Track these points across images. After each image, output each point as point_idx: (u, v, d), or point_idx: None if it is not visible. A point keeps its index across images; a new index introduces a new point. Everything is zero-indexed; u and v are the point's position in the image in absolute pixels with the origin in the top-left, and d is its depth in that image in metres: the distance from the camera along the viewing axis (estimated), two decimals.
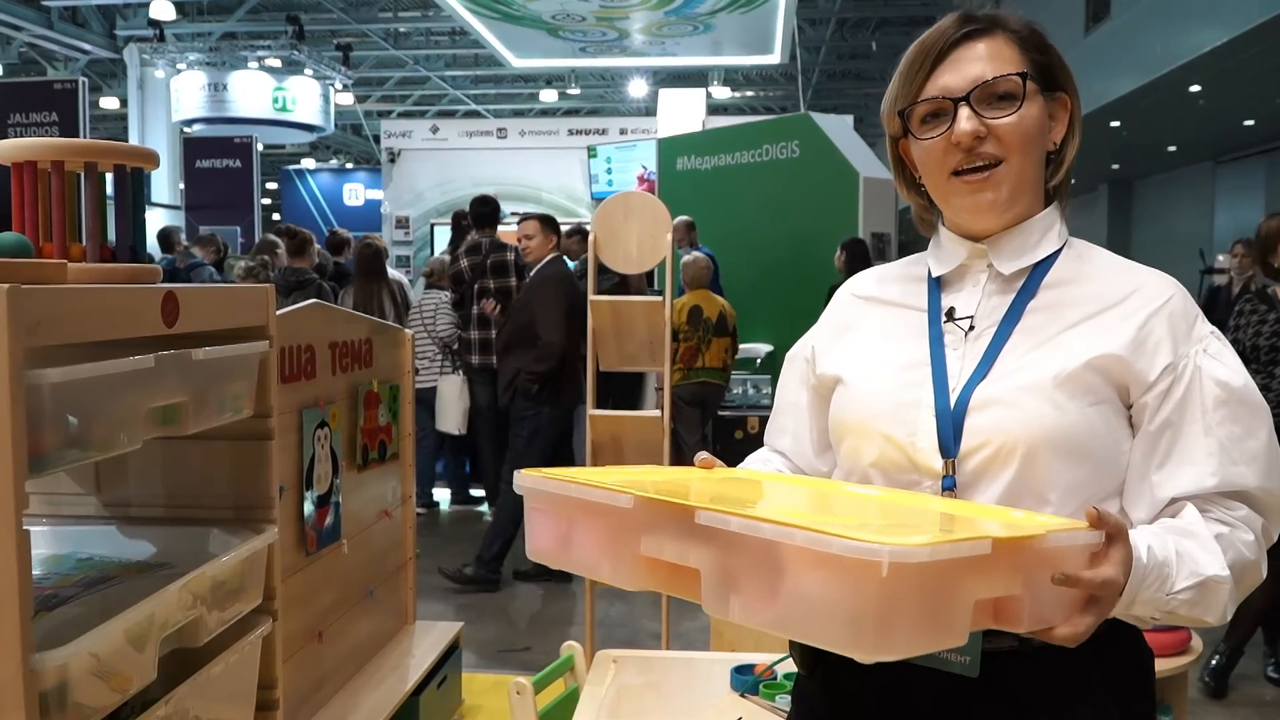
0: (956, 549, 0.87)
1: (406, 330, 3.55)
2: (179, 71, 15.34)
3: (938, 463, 1.16)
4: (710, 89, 15.27)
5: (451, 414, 6.36)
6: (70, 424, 1.01)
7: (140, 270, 1.28)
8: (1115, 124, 12.90)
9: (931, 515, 1.07)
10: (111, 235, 1.30)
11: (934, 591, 0.87)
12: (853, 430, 1.26)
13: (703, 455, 1.34)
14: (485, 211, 6.03)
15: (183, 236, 9.01)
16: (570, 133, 14.04)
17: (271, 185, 21.18)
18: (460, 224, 6.59)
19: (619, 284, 5.33)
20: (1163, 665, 2.56)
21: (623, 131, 13.88)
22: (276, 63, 15.64)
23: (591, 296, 3.77)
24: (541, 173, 13.38)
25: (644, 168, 11.62)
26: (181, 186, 15.32)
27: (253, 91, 15.57)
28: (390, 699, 2.65)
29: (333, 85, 16.25)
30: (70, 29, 14.82)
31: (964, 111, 1.15)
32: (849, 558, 0.83)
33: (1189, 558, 1.08)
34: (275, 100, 15.64)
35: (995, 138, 1.15)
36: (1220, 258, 5.87)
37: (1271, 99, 11.10)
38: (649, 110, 15.90)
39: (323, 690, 2.72)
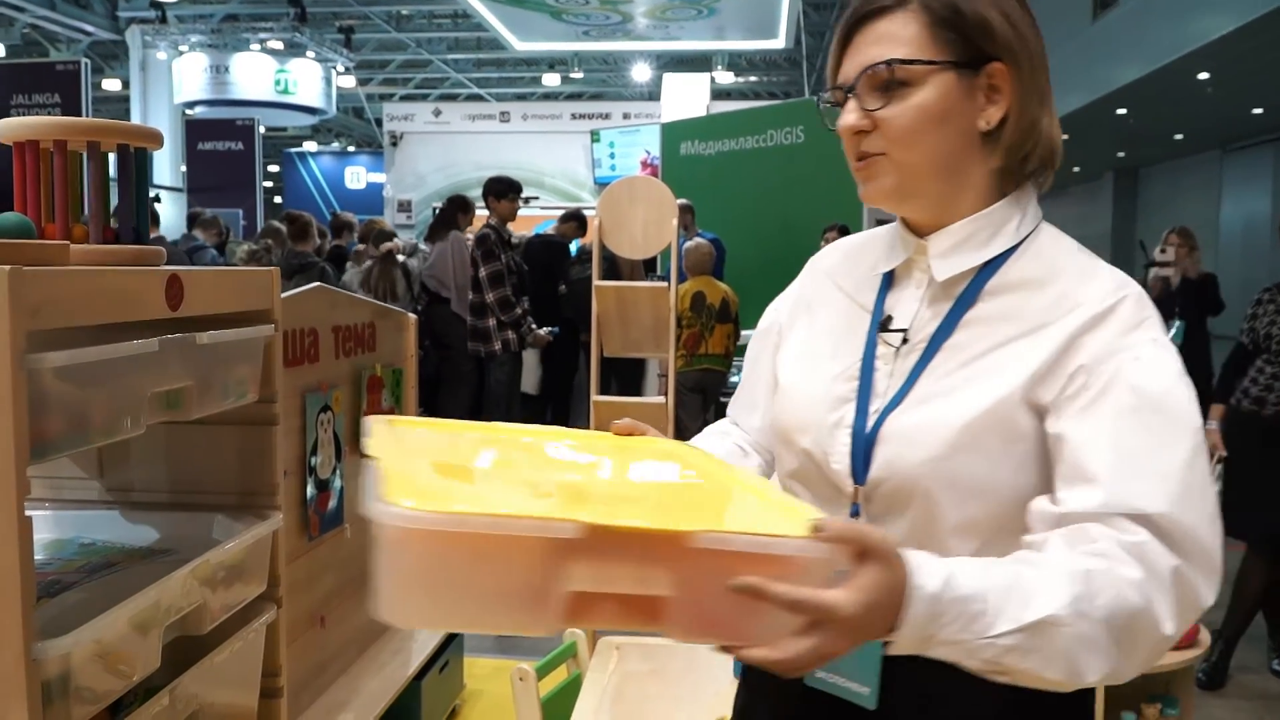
0: (498, 523, 0.76)
1: (410, 314, 3.53)
2: (181, 53, 15.27)
3: (849, 487, 1.09)
4: (714, 74, 15.20)
5: (531, 375, 6.48)
6: (72, 409, 1.00)
7: (144, 252, 1.26)
8: (1121, 111, 12.84)
9: (689, 499, 0.98)
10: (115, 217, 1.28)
11: (487, 564, 0.78)
12: (780, 437, 1.20)
13: (623, 421, 1.25)
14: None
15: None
16: (573, 117, 13.98)
17: (273, 168, 21.12)
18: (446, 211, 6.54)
19: (610, 269, 5.30)
20: (1170, 659, 2.55)
21: (626, 116, 13.82)
22: (279, 45, 15.57)
23: (596, 282, 3.75)
24: (544, 157, 13.33)
25: (647, 152, 11.58)
26: (183, 169, 15.27)
27: (255, 74, 15.51)
28: (392, 685, 2.64)
29: (335, 68, 16.18)
30: (73, 10, 14.75)
31: (850, 104, 1.07)
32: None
33: (1019, 594, 0.89)
34: (277, 83, 15.59)
35: (879, 130, 1.06)
36: (1158, 251, 5.70)
37: None
38: (653, 95, 15.82)
39: (324, 675, 2.71)
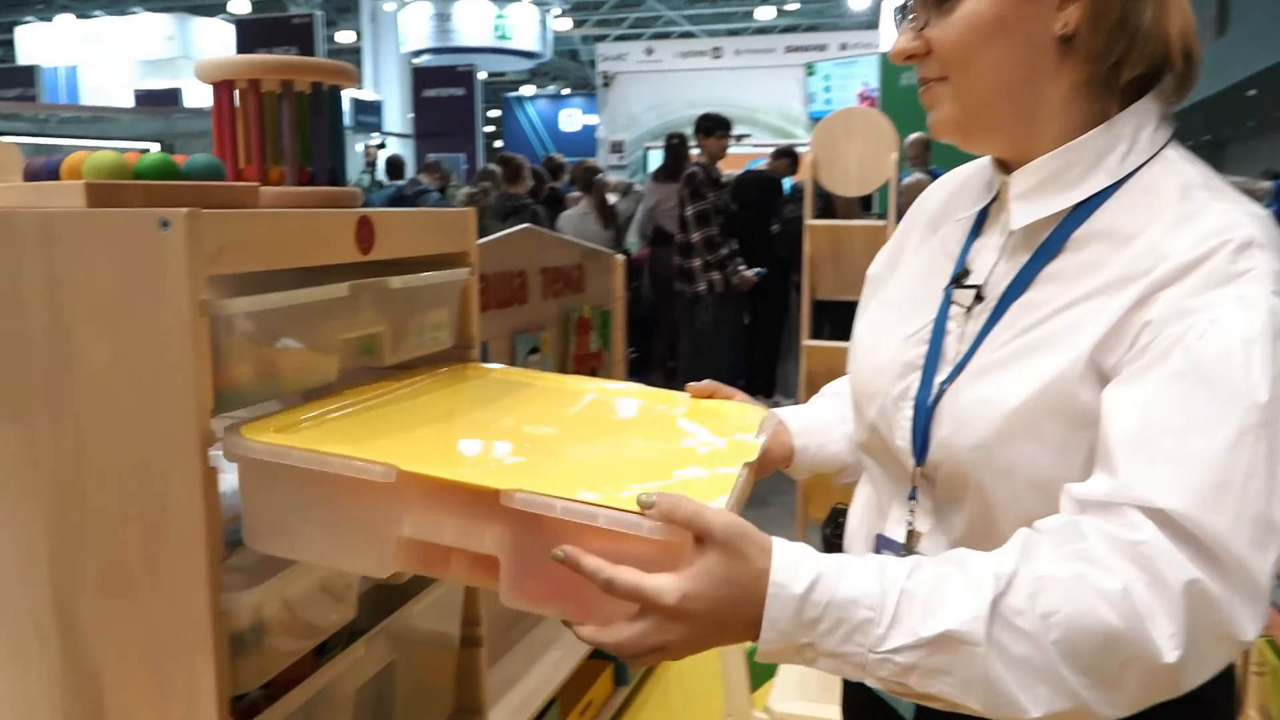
0: (317, 460, 0.83)
1: (618, 255, 3.48)
2: (406, 4, 15.82)
3: (910, 465, 0.96)
4: None
5: None
6: (259, 357, 0.97)
7: (338, 194, 1.22)
8: None
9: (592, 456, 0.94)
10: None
11: (324, 501, 0.84)
12: (853, 405, 1.07)
13: (703, 383, 1.20)
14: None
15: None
16: (787, 50, 13.61)
17: (493, 113, 21.70)
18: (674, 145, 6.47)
19: (824, 207, 5.09)
20: None
21: (843, 47, 13.32)
22: None
23: (809, 220, 3.58)
24: (757, 93, 13.05)
25: (865, 85, 11.13)
26: (411, 116, 15.91)
27: (475, 20, 15.92)
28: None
29: (550, 11, 16.37)
30: None
31: (905, 25, 0.92)
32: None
33: (925, 602, 0.75)
34: (496, 28, 15.95)
35: (933, 52, 0.90)
36: None
37: None
38: (871, 23, 15.17)
39: (518, 626, 2.74)
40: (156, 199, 0.94)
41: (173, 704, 0.90)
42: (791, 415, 1.26)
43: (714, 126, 5.98)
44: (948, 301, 0.99)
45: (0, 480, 0.93)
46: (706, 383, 1.23)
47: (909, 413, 0.97)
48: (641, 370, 6.48)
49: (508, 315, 2.78)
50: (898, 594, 0.76)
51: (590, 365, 3.25)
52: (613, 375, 3.41)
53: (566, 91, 22.43)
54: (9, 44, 17.46)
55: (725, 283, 5.85)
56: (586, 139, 16.27)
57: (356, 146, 13.03)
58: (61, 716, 0.94)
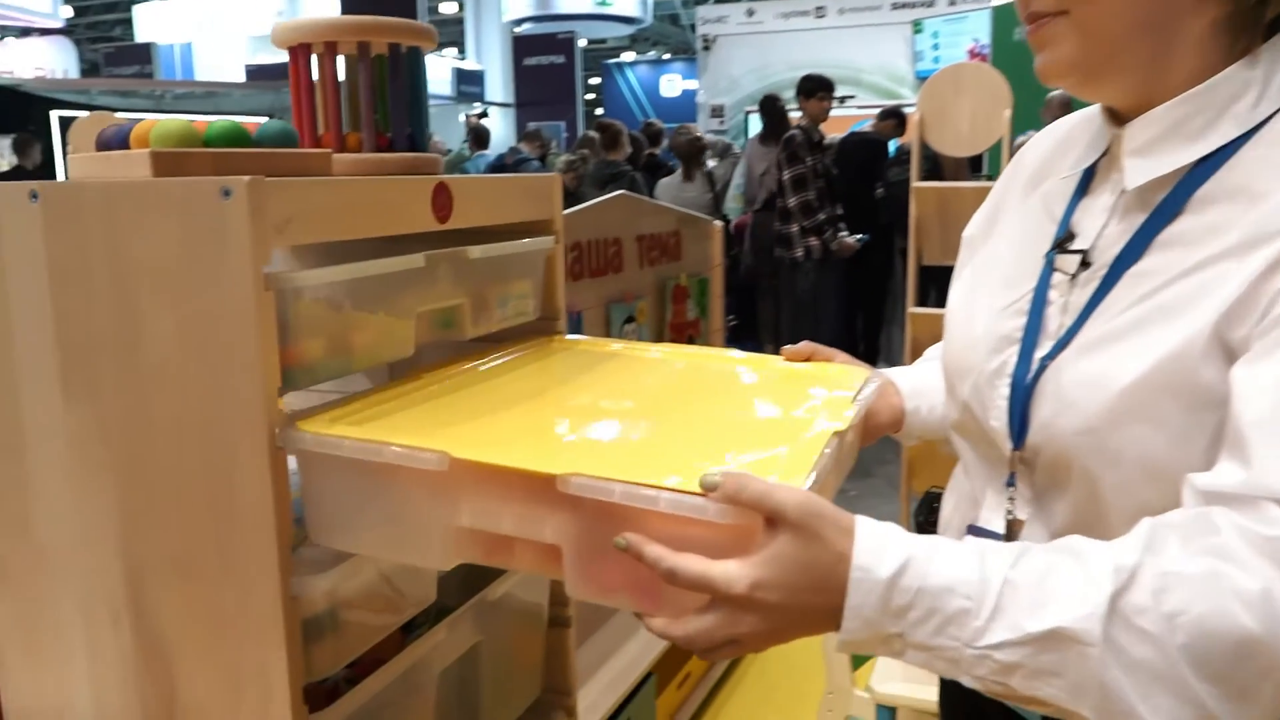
0: (357, 448, 0.80)
1: (716, 221, 3.40)
2: None
3: (1007, 449, 0.87)
4: None
5: None
6: (329, 332, 0.93)
7: (418, 160, 1.18)
8: None
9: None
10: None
11: (382, 492, 0.81)
12: (945, 381, 0.98)
13: (800, 345, 1.13)
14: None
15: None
16: (893, 7, 13.18)
17: (594, 80, 21.66)
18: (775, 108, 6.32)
19: (931, 169, 4.90)
20: None
21: (951, 2, 12.85)
22: None
23: (915, 183, 3.44)
24: (861, 52, 12.69)
25: (975, 41, 10.73)
26: (512, 85, 15.99)
27: None
28: None
29: None
30: None
31: None
32: None
33: (1035, 594, 0.68)
34: None
35: None
36: None
37: None
38: None
39: (606, 607, 2.69)
40: (225, 168, 0.91)
41: (245, 690, 0.88)
42: (900, 375, 1.18)
43: (814, 88, 5.81)
44: (1049, 268, 0.89)
45: (73, 457, 0.91)
46: (804, 344, 1.16)
47: (1005, 391, 0.89)
48: (745, 339, 6.39)
49: (602, 284, 2.73)
50: (1000, 583, 0.69)
51: (687, 334, 3.19)
52: (710, 344, 3.34)
53: (667, 56, 22.23)
54: (128, 23, 18.06)
55: (824, 249, 5.70)
56: (687, 104, 16.10)
57: (459, 117, 13.13)
58: (135, 698, 0.92)
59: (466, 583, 1.25)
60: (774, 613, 0.69)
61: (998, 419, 0.89)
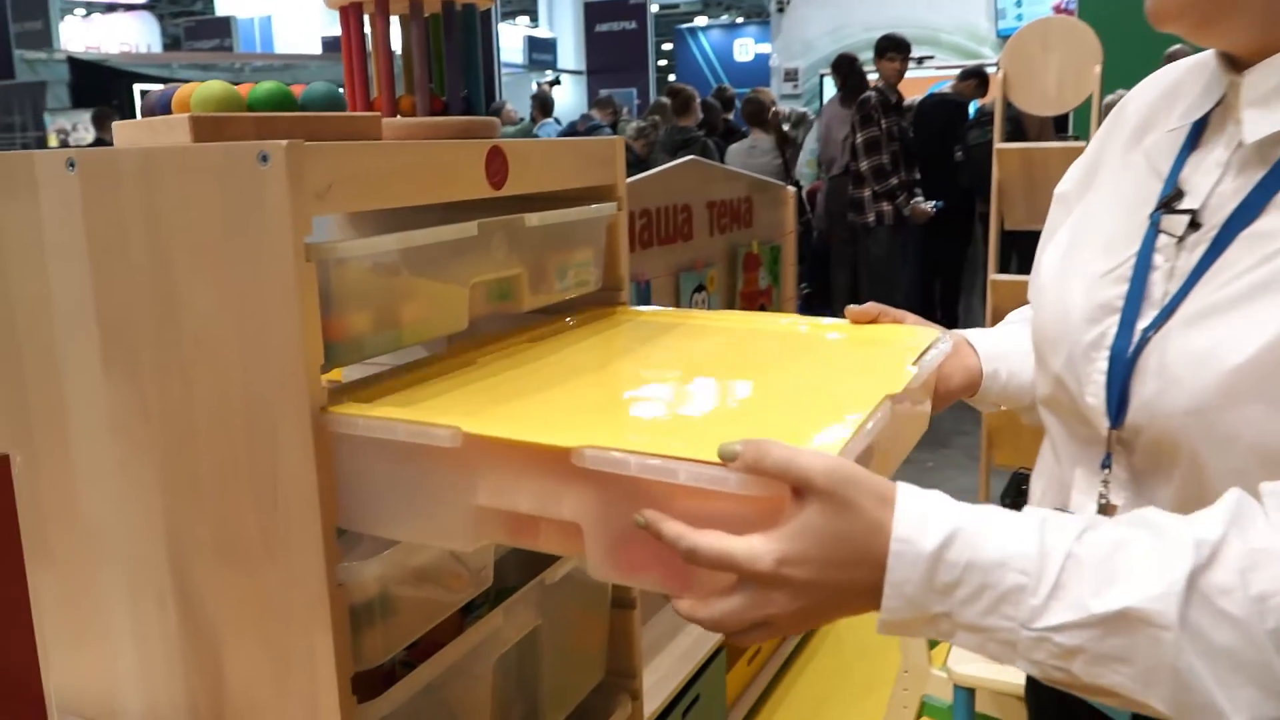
0: (371, 426, 0.76)
1: (789, 187, 3.31)
2: None
3: (1104, 428, 0.79)
4: None
5: None
6: (376, 305, 0.88)
7: (473, 124, 1.12)
8: None
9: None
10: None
11: (401, 472, 0.78)
12: (1035, 352, 0.90)
13: (866, 306, 1.07)
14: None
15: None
16: None
17: (666, 46, 21.45)
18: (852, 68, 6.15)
19: (1014, 130, 4.72)
20: None
21: None
22: None
23: (999, 144, 3.30)
24: (940, 11, 12.31)
25: None
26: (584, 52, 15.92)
27: None
28: None
29: None
30: None
31: None
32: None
33: (1102, 570, 0.61)
34: None
35: None
36: None
37: None
38: None
39: None
40: (267, 132, 0.86)
41: (292, 679, 0.84)
42: (979, 336, 1.10)
43: (886, 48, 5.63)
44: (1154, 230, 0.81)
45: (115, 435, 0.88)
46: (869, 305, 1.08)
47: (1103, 365, 0.81)
48: (818, 308, 6.27)
49: (672, 252, 2.67)
50: (1063, 557, 0.62)
51: (759, 303, 3.11)
52: (783, 312, 3.26)
53: (740, 20, 21.90)
54: None
55: (897, 214, 5.55)
56: (760, 69, 15.84)
57: (531, 85, 13.09)
58: (182, 686, 0.89)
59: (528, 564, 1.21)
60: (806, 590, 0.64)
61: (1094, 395, 0.82)
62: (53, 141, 10.75)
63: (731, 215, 2.98)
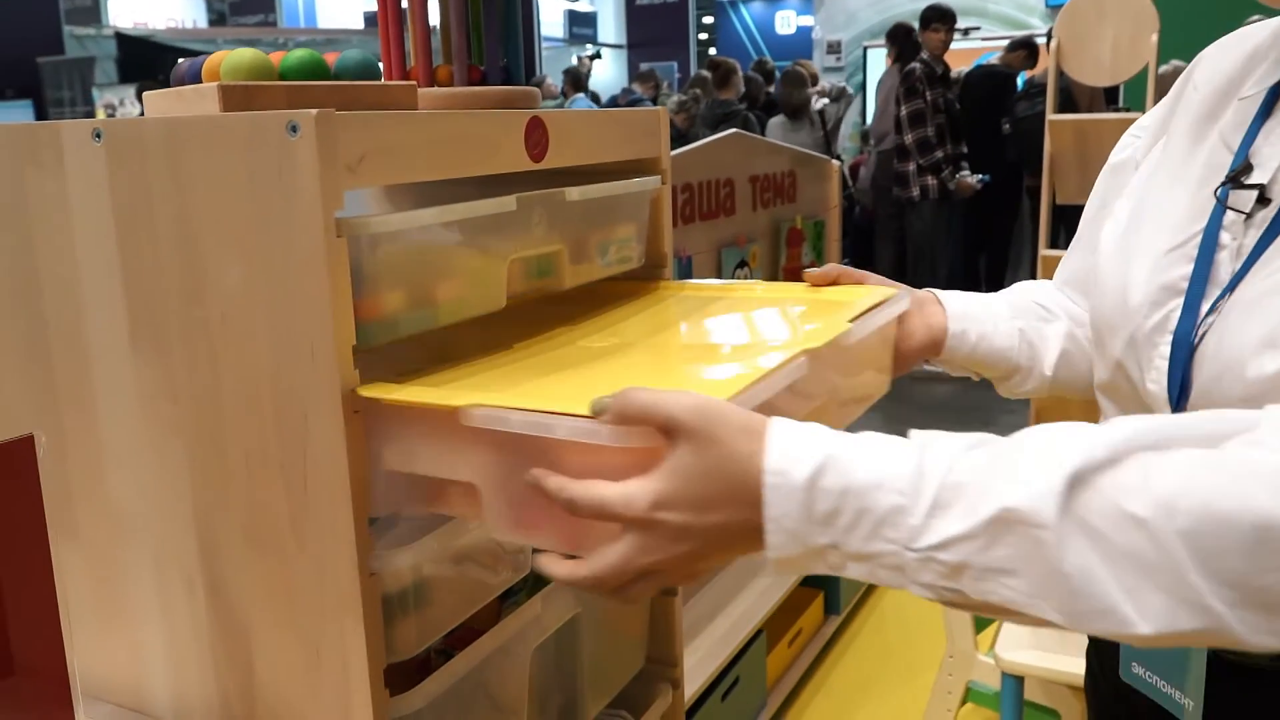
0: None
1: (833, 161, 3.24)
2: None
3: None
4: None
5: None
6: (409, 283, 0.84)
7: (513, 94, 1.08)
8: None
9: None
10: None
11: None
12: (1094, 334, 0.85)
13: (825, 268, 1.07)
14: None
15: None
16: None
17: (706, 20, 21.25)
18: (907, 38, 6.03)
19: (1062, 101, 4.60)
20: None
21: None
22: None
23: (1052, 115, 3.21)
24: None
25: None
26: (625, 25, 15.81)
27: None
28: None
29: None
30: None
31: None
32: None
33: (988, 476, 0.57)
34: None
35: None
36: None
37: None
38: None
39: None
40: (299, 101, 0.82)
41: (323, 670, 0.81)
42: (951, 296, 1.06)
43: (931, 18, 5.51)
44: (1221, 206, 0.76)
45: (143, 415, 0.86)
46: (829, 267, 1.08)
47: (1165, 351, 0.76)
48: None
49: (714, 227, 2.61)
50: (941, 474, 0.58)
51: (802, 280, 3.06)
52: None
53: None
54: None
55: (941, 188, 5.44)
56: (802, 42, 15.63)
57: (571, 59, 13.01)
58: (211, 674, 0.87)
59: None
60: (685, 534, 0.62)
61: (1156, 381, 0.77)
62: (100, 115, 10.86)
63: (775, 189, 2.92)
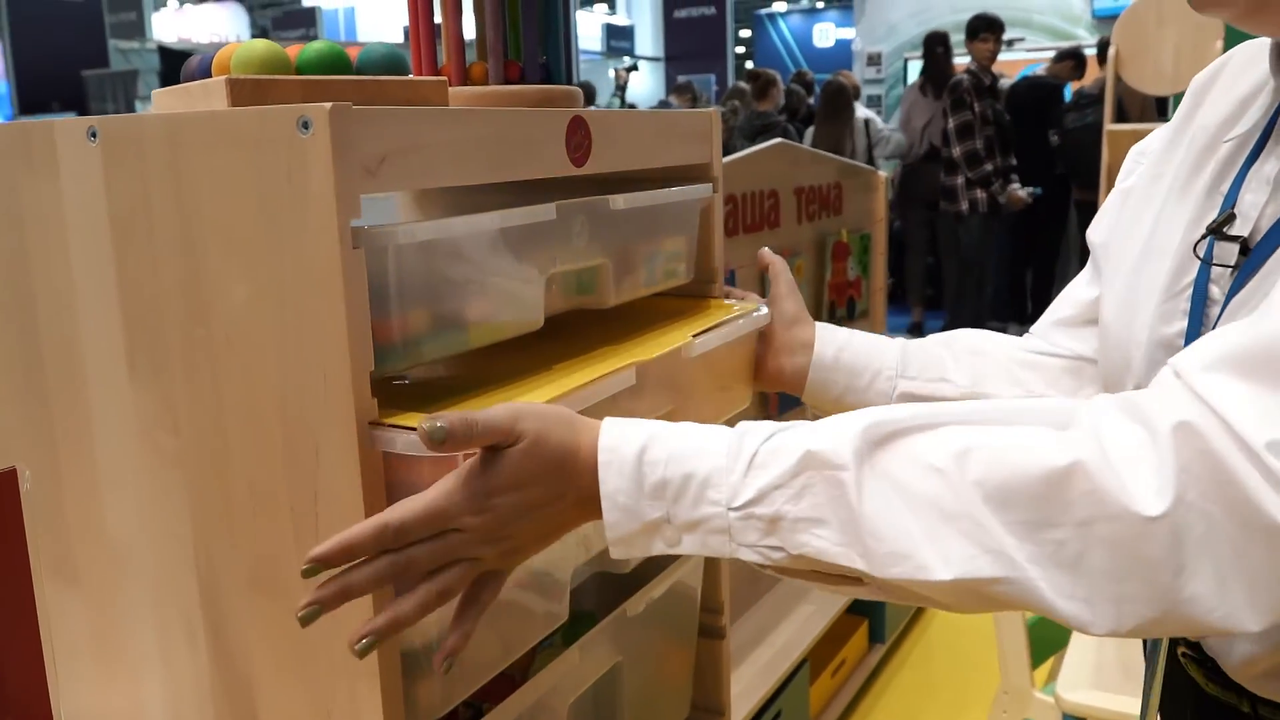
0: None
1: (880, 172, 3.13)
2: None
3: None
4: None
5: None
6: (437, 299, 0.75)
7: (553, 93, 0.99)
8: None
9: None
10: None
11: None
12: (1103, 375, 0.85)
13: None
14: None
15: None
16: None
17: (744, 33, 21.21)
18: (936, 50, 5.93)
19: (1114, 111, 4.47)
20: None
21: None
22: None
23: (1109, 125, 3.09)
24: None
25: None
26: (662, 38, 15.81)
27: None
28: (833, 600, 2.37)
29: None
30: None
31: None
32: None
33: (794, 441, 0.61)
34: None
35: None
36: None
37: None
38: None
39: (760, 582, 2.51)
40: (316, 96, 0.74)
41: None
42: (839, 331, 1.00)
43: (979, 28, 5.39)
44: (1209, 257, 0.73)
45: (142, 447, 0.77)
46: (765, 251, 1.14)
47: None
48: (897, 299, 6.05)
49: (758, 240, 2.52)
50: (760, 439, 0.62)
51: (848, 295, 2.95)
52: (872, 304, 3.09)
53: (820, 5, 21.52)
54: None
55: (991, 202, 5.31)
56: (841, 55, 15.52)
57: (608, 72, 12.98)
58: None
59: (604, 596, 1.09)
60: (503, 522, 0.64)
61: None
62: None
63: (820, 202, 2.82)
